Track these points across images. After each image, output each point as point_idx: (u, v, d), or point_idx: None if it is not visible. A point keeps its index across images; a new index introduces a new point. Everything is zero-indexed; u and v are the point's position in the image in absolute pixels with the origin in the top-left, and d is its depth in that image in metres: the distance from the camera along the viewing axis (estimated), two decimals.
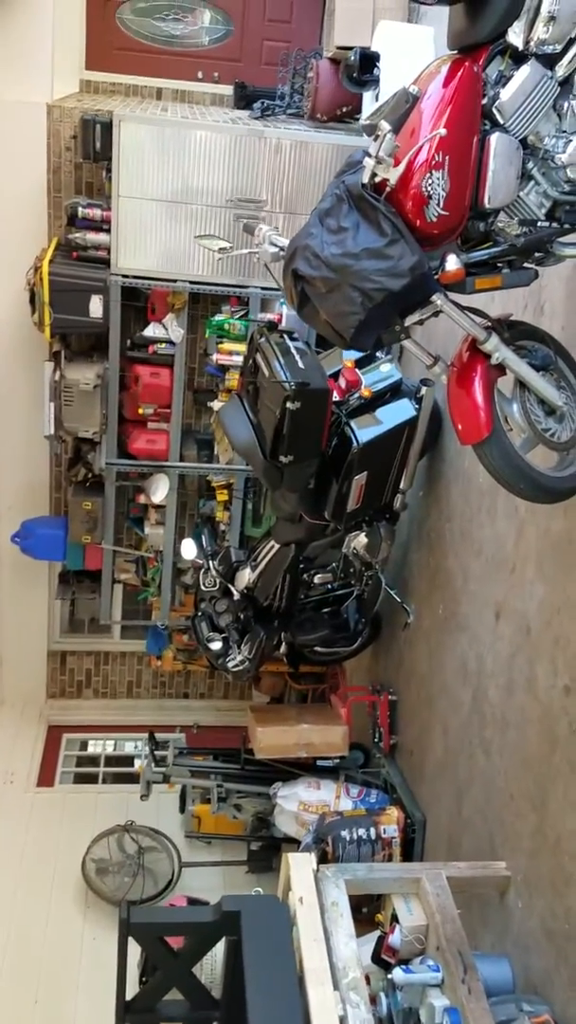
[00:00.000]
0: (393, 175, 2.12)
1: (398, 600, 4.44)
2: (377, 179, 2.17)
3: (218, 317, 4.85)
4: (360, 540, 4.19)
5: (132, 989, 2.90)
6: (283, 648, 4.74)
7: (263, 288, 4.72)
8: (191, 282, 4.72)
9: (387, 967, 2.97)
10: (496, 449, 2.47)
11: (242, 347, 4.62)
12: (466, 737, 3.57)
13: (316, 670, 5.43)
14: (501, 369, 2.50)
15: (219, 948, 2.87)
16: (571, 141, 2.22)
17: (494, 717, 3.30)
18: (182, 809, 4.94)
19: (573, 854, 2.65)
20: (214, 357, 4.83)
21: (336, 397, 3.85)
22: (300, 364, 3.46)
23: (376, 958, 3.05)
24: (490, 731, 3.34)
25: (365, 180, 2.18)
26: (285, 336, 3.62)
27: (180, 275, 4.69)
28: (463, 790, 3.58)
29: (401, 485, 4.08)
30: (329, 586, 4.63)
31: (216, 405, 4.94)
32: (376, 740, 4.63)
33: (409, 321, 2.41)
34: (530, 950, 2.90)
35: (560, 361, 2.61)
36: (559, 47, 2.18)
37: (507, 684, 3.20)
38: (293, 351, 3.52)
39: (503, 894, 3.10)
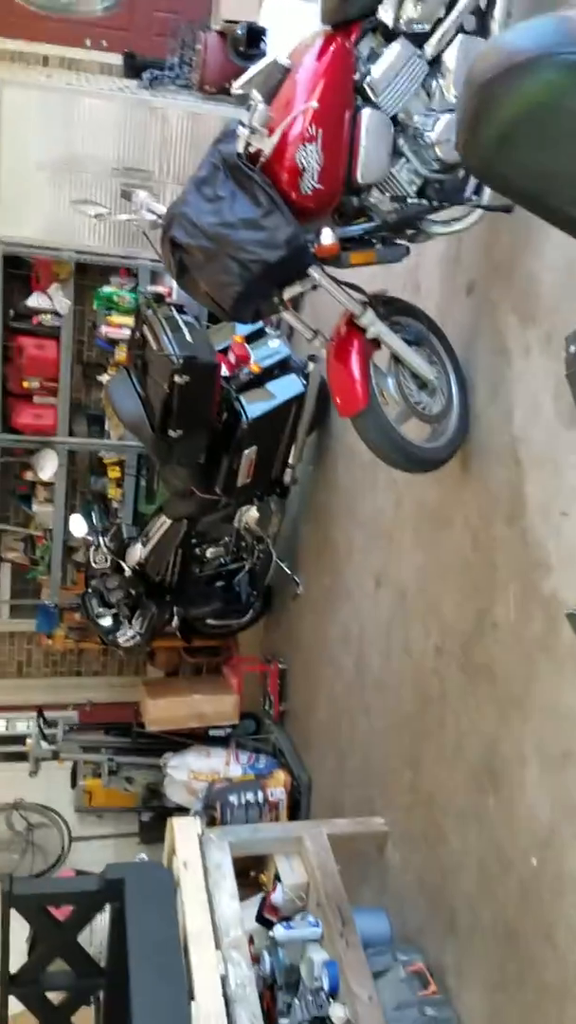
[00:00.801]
0: (267, 145, 2.13)
1: (288, 572, 4.49)
2: (251, 149, 2.17)
3: (106, 289, 4.75)
4: (251, 514, 4.21)
5: (20, 962, 2.86)
6: (175, 622, 4.73)
7: (153, 260, 4.64)
8: (77, 252, 4.60)
9: (270, 926, 3.03)
10: (372, 422, 2.53)
11: (131, 320, 4.54)
12: (348, 701, 3.66)
13: (210, 643, 5.45)
14: (377, 344, 2.55)
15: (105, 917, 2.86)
16: (440, 119, 2.27)
17: (374, 681, 3.40)
18: (73, 784, 4.89)
19: (445, 808, 2.76)
20: (103, 330, 4.74)
21: (225, 372, 3.84)
22: (188, 338, 3.42)
23: (260, 917, 3.11)
24: (370, 694, 3.43)
25: (240, 150, 2.18)
26: (174, 309, 3.58)
27: (66, 244, 4.57)
28: (345, 752, 3.67)
29: (290, 460, 4.11)
30: (221, 560, 4.64)
31: (105, 379, 4.86)
32: (266, 708, 4.69)
33: (288, 294, 2.43)
34: (406, 902, 3.01)
35: (432, 337, 2.69)
36: (428, 26, 2.23)
37: (385, 649, 3.29)
38: (182, 325, 3.48)
39: (381, 849, 3.20)
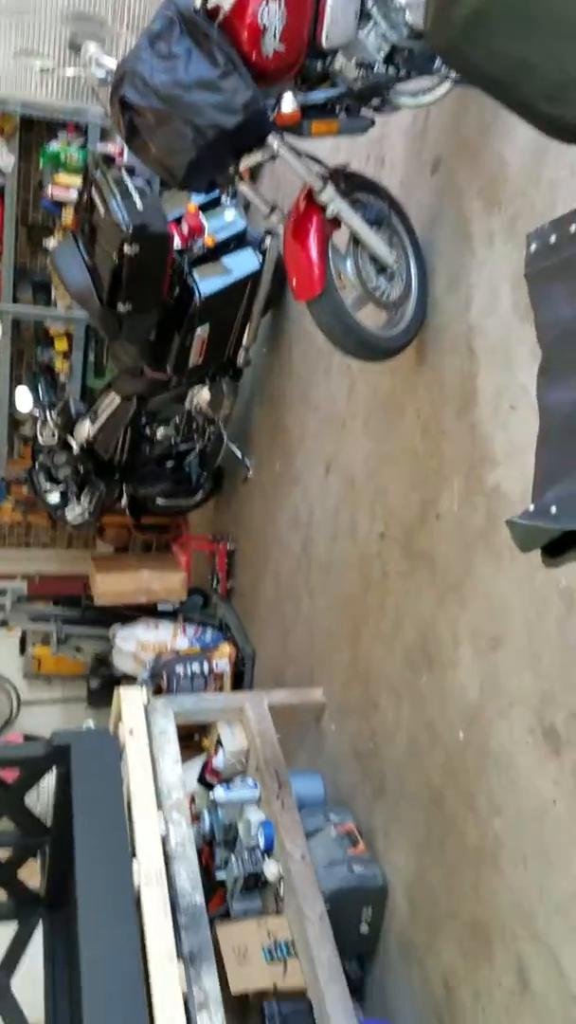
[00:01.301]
0: (226, 1, 1.95)
1: (239, 455, 4.45)
2: (210, 4, 1.99)
3: (53, 146, 4.43)
4: (203, 396, 4.12)
5: None
6: (124, 500, 4.70)
7: (103, 116, 4.33)
8: (23, 105, 4.26)
9: (211, 787, 3.17)
10: (328, 307, 2.45)
11: (79, 181, 4.27)
12: (294, 581, 3.72)
13: (159, 521, 5.45)
14: (336, 223, 2.44)
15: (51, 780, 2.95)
16: None
17: (319, 563, 3.45)
18: (22, 651, 4.96)
19: (380, 684, 2.86)
20: (49, 190, 4.45)
21: (178, 244, 3.67)
22: (139, 205, 3.23)
23: (201, 779, 3.24)
24: (316, 575, 3.48)
25: (197, 4, 2.00)
26: (124, 172, 3.36)
27: (10, 97, 4.22)
28: (289, 628, 3.76)
29: (244, 341, 4.00)
30: (171, 441, 4.57)
31: (52, 244, 4.60)
32: (214, 585, 4.75)
33: (244, 164, 2.29)
34: (339, 767, 3.16)
35: (394, 217, 2.58)
36: None
37: (332, 533, 3.32)
38: (132, 190, 3.27)
39: (319, 719, 3.34)
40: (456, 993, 2.26)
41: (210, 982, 2.32)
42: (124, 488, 4.54)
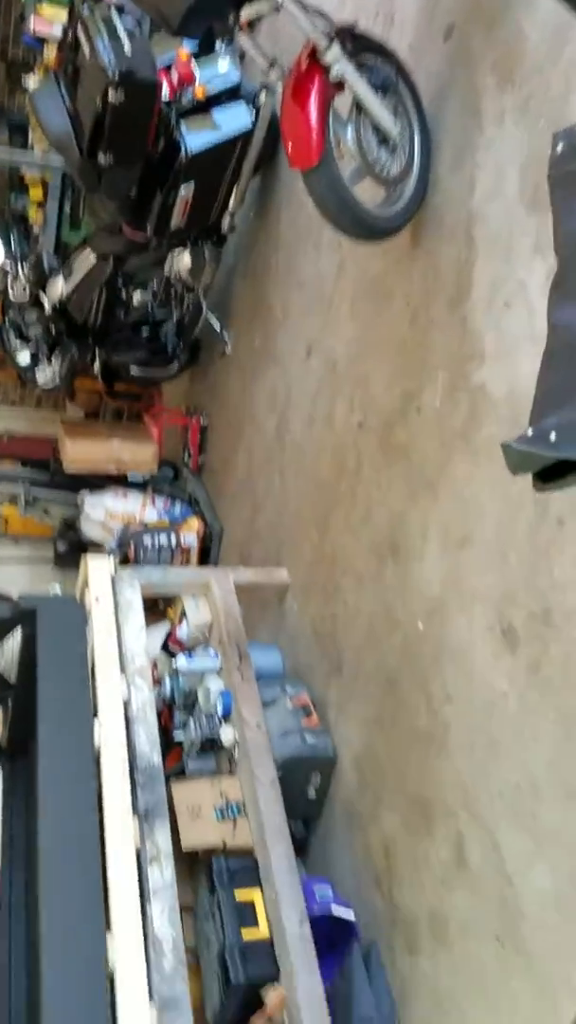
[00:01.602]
0: None
1: (217, 328, 4.29)
2: None
3: None
4: (183, 261, 3.92)
5: None
6: (96, 366, 4.55)
7: None
8: None
9: (173, 655, 3.23)
10: (324, 177, 2.29)
11: (65, 15, 3.89)
12: (268, 462, 3.68)
13: (132, 390, 5.31)
14: (339, 86, 2.25)
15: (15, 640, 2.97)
16: None
17: (294, 446, 3.39)
18: None
19: (345, 569, 2.88)
20: (31, 23, 4.05)
21: (166, 94, 3.39)
22: (127, 48, 2.95)
23: (164, 647, 3.29)
24: (289, 457, 3.44)
25: None
26: (114, 11, 3.05)
27: None
28: (259, 507, 3.74)
29: (230, 205, 3.78)
30: (148, 307, 4.38)
31: (31, 84, 4.24)
32: (185, 459, 4.69)
33: (246, 14, 2.08)
34: (299, 644, 3.23)
35: (401, 84, 2.39)
36: None
37: (309, 417, 3.25)
38: (121, 31, 2.98)
39: (282, 598, 3.38)
40: (395, 860, 2.40)
41: (163, 838, 2.43)
42: (97, 353, 4.38)
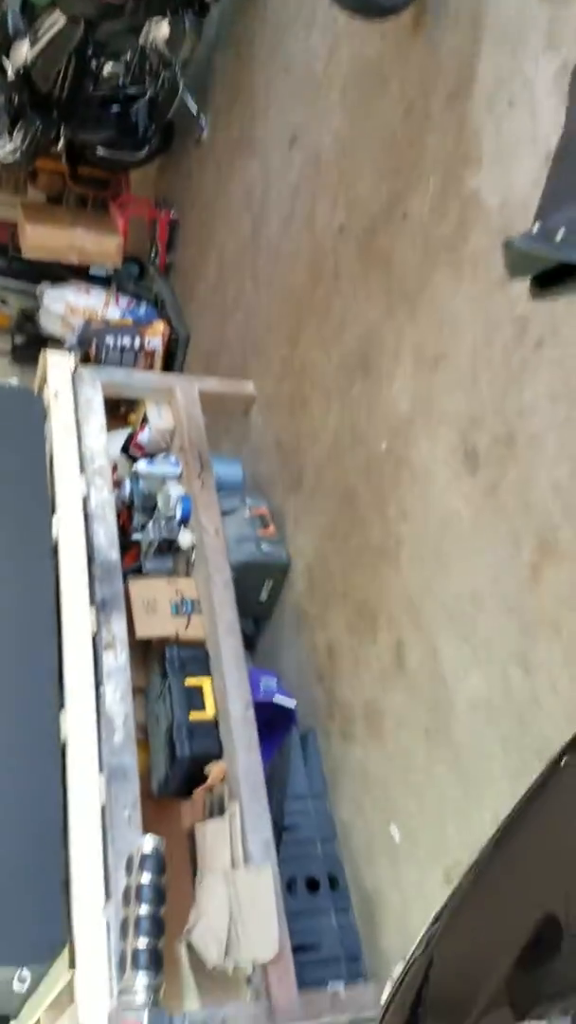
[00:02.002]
0: None
1: (194, 110, 3.93)
2: None
3: None
4: (161, 31, 3.52)
5: None
6: (61, 143, 4.18)
7: None
8: None
9: (134, 459, 3.21)
10: None
11: None
12: (240, 265, 3.51)
13: (98, 175, 4.93)
14: None
15: None
16: None
17: (269, 248, 3.23)
18: None
19: (313, 384, 2.83)
20: None
21: None
22: None
23: (125, 450, 3.27)
24: (263, 261, 3.28)
25: None
26: None
27: None
28: (228, 314, 3.61)
29: None
30: (120, 82, 3.97)
31: None
32: (152, 256, 4.45)
33: None
34: (261, 458, 3.23)
35: None
36: None
37: (287, 217, 3.07)
38: None
39: (247, 411, 3.34)
40: (338, 659, 2.53)
41: (118, 627, 2.51)
42: (62, 130, 4.02)
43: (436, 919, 0.81)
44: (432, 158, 2.20)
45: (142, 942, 0.75)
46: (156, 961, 0.75)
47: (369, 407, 2.46)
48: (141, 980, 0.73)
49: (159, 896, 0.77)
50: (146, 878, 0.77)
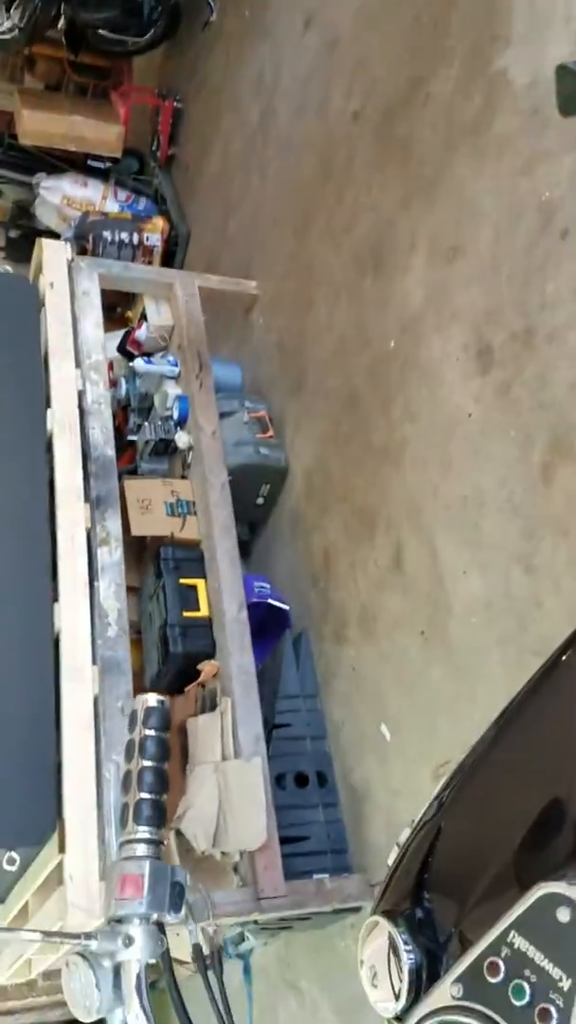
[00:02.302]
0: None
1: None
2: None
3: None
4: None
5: None
6: (61, 24, 3.94)
7: None
8: None
9: (131, 357, 3.11)
10: None
11: None
12: (247, 157, 3.34)
13: (99, 62, 4.66)
14: None
15: None
16: None
17: (278, 139, 3.07)
18: None
19: (320, 282, 2.72)
20: None
21: None
22: None
23: (122, 348, 3.16)
24: (271, 153, 3.12)
25: None
26: None
27: None
28: (232, 210, 3.46)
29: None
30: None
31: None
32: (153, 148, 4.25)
33: None
34: (261, 361, 3.13)
35: None
36: None
37: (299, 105, 2.90)
38: None
39: (248, 311, 3.22)
40: (334, 563, 2.50)
41: (113, 524, 2.47)
42: (63, 8, 3.78)
43: (446, 787, 0.78)
44: (459, 34, 2.06)
45: (145, 795, 0.71)
46: (159, 815, 0.72)
47: (379, 304, 2.36)
48: (143, 833, 0.70)
49: (163, 750, 0.74)
50: (150, 731, 0.74)
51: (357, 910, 2.22)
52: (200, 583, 2.55)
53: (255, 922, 2.30)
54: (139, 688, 2.30)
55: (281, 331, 2.99)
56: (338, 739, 2.37)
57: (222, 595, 2.46)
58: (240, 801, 2.07)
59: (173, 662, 2.42)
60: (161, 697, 0.75)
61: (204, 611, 2.49)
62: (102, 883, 1.99)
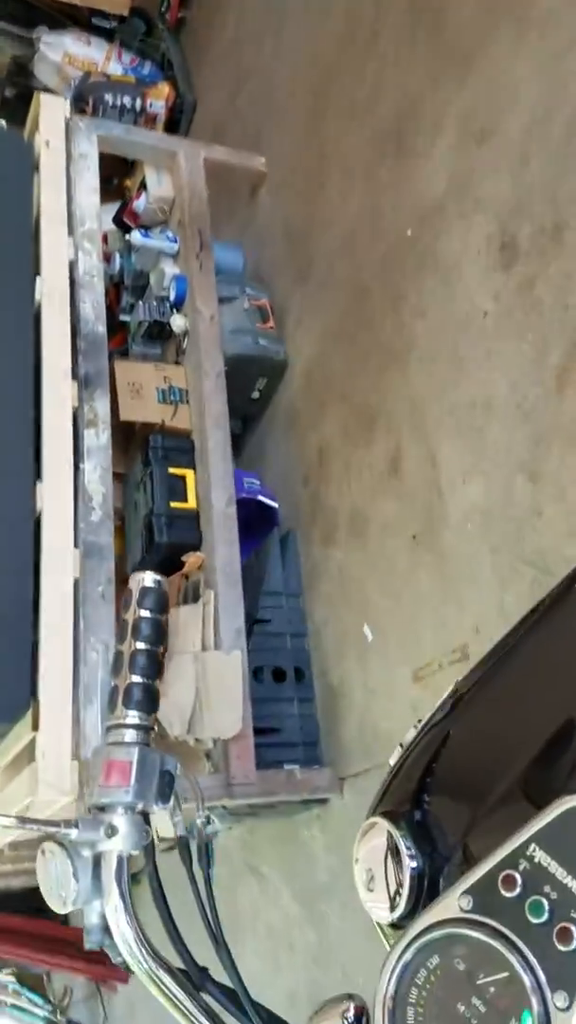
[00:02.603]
0: None
1: None
2: None
3: None
4: None
5: None
6: None
7: None
8: None
9: (127, 230, 2.92)
10: None
11: None
12: (262, 22, 3.08)
13: None
14: None
15: None
16: None
17: (296, 5, 2.81)
18: None
19: (335, 163, 2.54)
20: None
21: None
22: None
23: (118, 220, 2.97)
24: (289, 20, 2.88)
25: None
26: None
27: None
28: (244, 79, 3.21)
29: None
30: None
31: None
32: (163, 10, 3.92)
33: None
34: (266, 245, 2.96)
35: None
36: None
37: None
38: None
39: (255, 191, 3.03)
40: (328, 463, 2.42)
41: (101, 405, 2.36)
42: None
43: (455, 693, 0.72)
44: None
45: (136, 678, 0.65)
46: (150, 700, 0.66)
47: (397, 189, 2.20)
48: (132, 718, 0.64)
49: (158, 633, 0.67)
50: (145, 612, 0.67)
51: (325, 802, 2.24)
52: (189, 474, 2.47)
53: (223, 807, 2.33)
54: (121, 575, 2.24)
55: (289, 214, 2.81)
56: (319, 638, 2.35)
57: (211, 487, 2.38)
58: (218, 691, 2.05)
59: (157, 552, 2.36)
60: (158, 577, 0.68)
61: (192, 503, 2.41)
62: (74, 762, 1.99)
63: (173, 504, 2.42)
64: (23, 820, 0.59)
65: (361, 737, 2.15)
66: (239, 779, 2.07)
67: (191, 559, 2.31)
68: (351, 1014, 0.75)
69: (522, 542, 1.69)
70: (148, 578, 0.69)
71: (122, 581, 2.28)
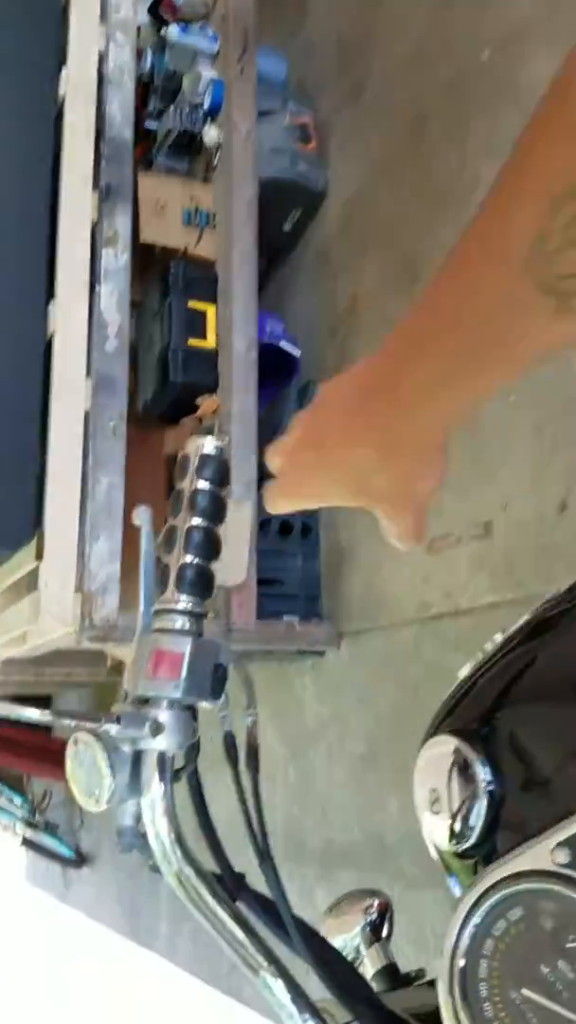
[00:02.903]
0: None
1: None
2: None
3: None
4: None
5: None
6: None
7: None
8: None
9: (163, 24, 2.57)
10: None
11: None
12: None
13: None
14: None
15: None
16: None
17: None
18: None
19: None
20: None
21: None
22: None
23: (153, 11, 2.60)
24: None
25: None
26: None
27: None
28: None
29: None
30: None
31: None
32: None
33: None
34: (315, 55, 2.63)
35: None
36: None
37: None
38: None
39: None
40: (361, 314, 2.24)
41: (123, 222, 2.15)
42: None
43: (547, 606, 0.63)
44: None
45: (191, 558, 0.55)
46: (205, 584, 0.56)
47: (475, 1, 1.90)
48: (185, 603, 0.54)
49: (217, 509, 0.57)
50: (204, 484, 0.56)
51: (321, 654, 2.24)
52: (210, 309, 2.29)
53: None
54: (132, 412, 2.12)
55: (345, 21, 2.47)
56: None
57: (232, 328, 2.22)
58: (226, 538, 1.99)
59: (171, 391, 2.23)
60: (220, 444, 0.57)
61: (211, 342, 2.25)
62: (76, 594, 1.96)
63: (191, 341, 2.26)
64: (60, 714, 0.52)
65: (366, 597, 2.11)
66: (239, 627, 2.05)
67: (206, 403, 2.18)
68: (374, 910, 0.72)
69: (570, 418, 1.57)
70: (208, 444, 0.58)
71: (134, 419, 2.16)
